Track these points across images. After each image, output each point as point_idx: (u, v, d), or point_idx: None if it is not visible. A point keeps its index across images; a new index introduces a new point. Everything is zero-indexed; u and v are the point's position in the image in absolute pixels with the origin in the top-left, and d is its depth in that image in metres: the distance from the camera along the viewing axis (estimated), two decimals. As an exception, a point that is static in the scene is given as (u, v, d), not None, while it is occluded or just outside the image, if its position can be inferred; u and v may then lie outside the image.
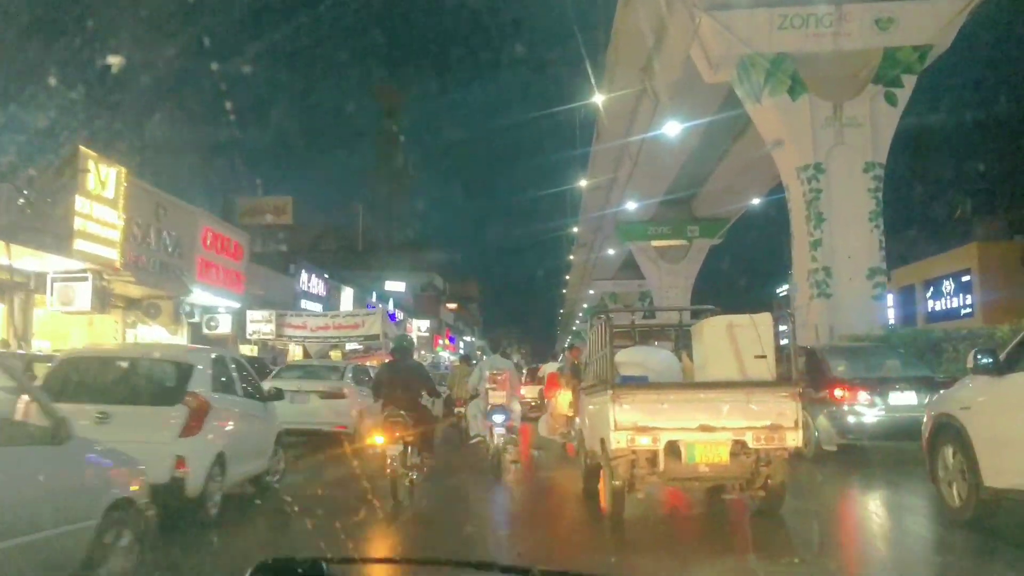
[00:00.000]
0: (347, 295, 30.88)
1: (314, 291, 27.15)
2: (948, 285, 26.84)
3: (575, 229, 45.48)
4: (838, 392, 10.43)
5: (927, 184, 30.89)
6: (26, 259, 12.13)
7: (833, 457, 10.42)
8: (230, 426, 7.17)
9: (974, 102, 32.03)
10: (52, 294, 12.92)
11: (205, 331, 18.08)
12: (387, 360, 10.95)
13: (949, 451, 6.36)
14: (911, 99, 16.53)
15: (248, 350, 20.19)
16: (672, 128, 23.52)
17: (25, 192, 11.59)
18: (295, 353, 22.01)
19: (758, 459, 6.35)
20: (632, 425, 6.30)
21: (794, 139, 16.60)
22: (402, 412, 7.76)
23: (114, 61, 17.85)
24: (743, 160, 27.20)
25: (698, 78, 17.92)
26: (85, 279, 12.92)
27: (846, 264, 16.26)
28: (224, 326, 18.54)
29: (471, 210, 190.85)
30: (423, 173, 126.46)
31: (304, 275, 26.55)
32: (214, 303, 18.46)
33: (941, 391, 7.53)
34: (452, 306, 64.20)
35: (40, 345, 13.37)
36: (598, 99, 23.79)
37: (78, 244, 12.32)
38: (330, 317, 21.88)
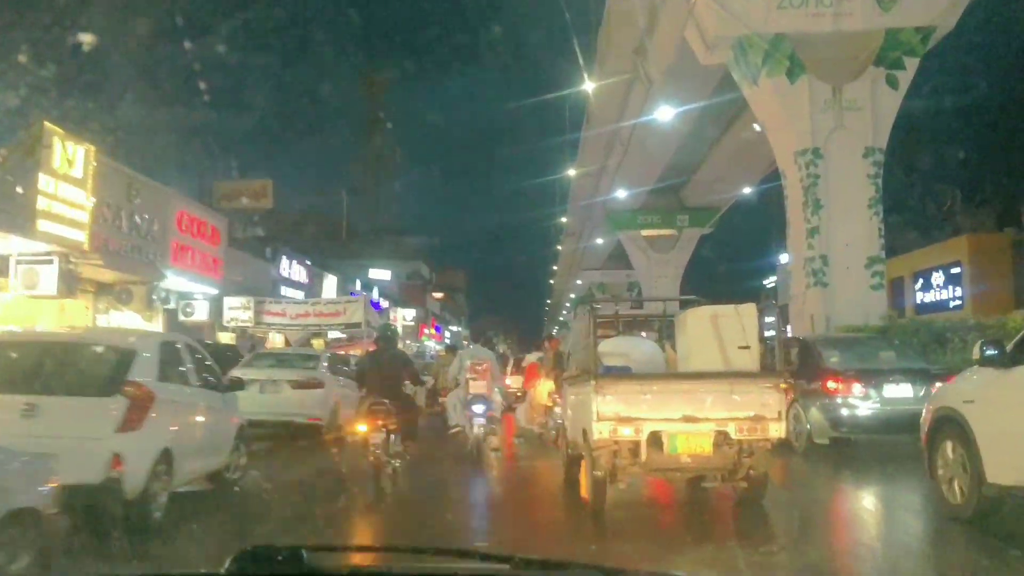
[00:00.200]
0: (330, 283, 30.29)
1: (295, 278, 26.47)
2: (938, 277, 26.71)
3: (563, 219, 45.24)
4: (831, 384, 10.20)
5: (915, 174, 30.59)
6: (-12, 240, 11.67)
7: (825, 450, 10.25)
8: (179, 419, 6.61)
9: (963, 90, 31.59)
10: (16, 277, 12.44)
11: (181, 318, 17.59)
12: (371, 349, 10.91)
13: (950, 446, 6.18)
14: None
15: (228, 338, 19.78)
16: (665, 113, 23.09)
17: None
18: (275, 341, 21.53)
19: (741, 450, 6.36)
20: (614, 416, 6.28)
21: (792, 123, 16.11)
22: (385, 400, 7.75)
23: (87, 39, 17.34)
24: (734, 148, 26.89)
25: (693, 60, 17.44)
26: (51, 262, 12.43)
27: (844, 252, 15.76)
28: (201, 313, 18.04)
29: (458, 199, 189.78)
30: (409, 160, 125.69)
31: (284, 261, 25.84)
32: (190, 289, 17.95)
33: (940, 384, 7.35)
34: (438, 295, 63.94)
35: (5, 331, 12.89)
36: (588, 83, 23.38)
37: (42, 225, 11.82)
38: (311, 304, 21.41)
